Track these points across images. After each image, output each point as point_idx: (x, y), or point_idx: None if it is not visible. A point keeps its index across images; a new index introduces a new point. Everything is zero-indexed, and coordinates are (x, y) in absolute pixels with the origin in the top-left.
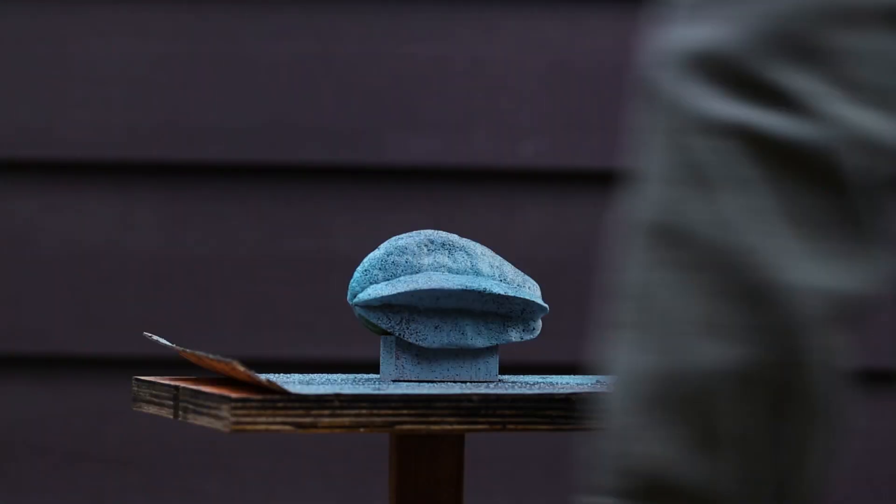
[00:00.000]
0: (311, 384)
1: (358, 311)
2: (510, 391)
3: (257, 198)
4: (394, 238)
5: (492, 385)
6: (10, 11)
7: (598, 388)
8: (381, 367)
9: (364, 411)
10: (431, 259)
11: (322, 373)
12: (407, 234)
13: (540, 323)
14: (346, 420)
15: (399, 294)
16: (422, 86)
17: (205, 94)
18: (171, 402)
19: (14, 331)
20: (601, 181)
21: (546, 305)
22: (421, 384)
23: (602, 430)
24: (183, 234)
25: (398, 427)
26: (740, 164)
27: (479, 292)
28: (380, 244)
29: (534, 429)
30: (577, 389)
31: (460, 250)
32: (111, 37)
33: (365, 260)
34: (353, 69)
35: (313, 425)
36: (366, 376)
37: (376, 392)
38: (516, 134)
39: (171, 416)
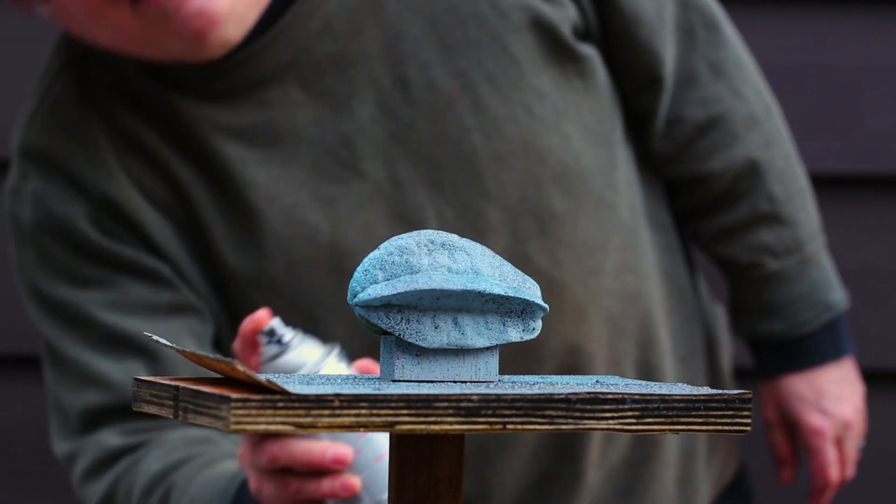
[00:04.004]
0: (311, 384)
1: (358, 311)
2: (510, 391)
3: None
4: (394, 238)
5: (492, 385)
6: (10, 11)
7: (598, 388)
8: (381, 367)
9: (364, 411)
10: (431, 259)
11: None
12: (407, 234)
13: (540, 323)
14: (346, 420)
15: (399, 294)
16: None
17: None
18: (171, 402)
19: (14, 331)
20: None
21: (546, 305)
22: (421, 384)
23: None
24: None
25: (398, 427)
26: None
27: (479, 292)
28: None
29: (534, 429)
30: (576, 389)
31: (460, 250)
32: None
33: (365, 260)
34: None
35: (313, 425)
36: (366, 376)
37: (376, 392)
38: None
39: (171, 416)
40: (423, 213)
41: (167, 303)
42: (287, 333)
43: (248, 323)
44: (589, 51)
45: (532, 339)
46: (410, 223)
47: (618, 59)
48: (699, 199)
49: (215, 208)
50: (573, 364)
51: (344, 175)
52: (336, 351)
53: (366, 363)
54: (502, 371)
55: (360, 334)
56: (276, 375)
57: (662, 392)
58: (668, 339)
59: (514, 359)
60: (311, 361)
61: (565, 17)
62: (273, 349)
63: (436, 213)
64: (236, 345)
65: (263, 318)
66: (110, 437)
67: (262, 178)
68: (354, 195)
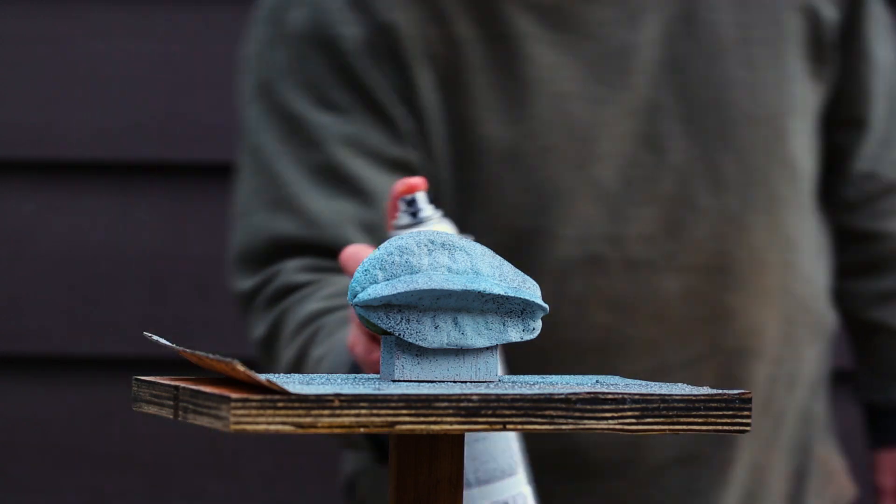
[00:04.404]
0: (311, 384)
1: (358, 311)
2: (510, 391)
3: None
4: (394, 238)
5: (492, 385)
6: (10, 11)
7: (598, 388)
8: (381, 367)
9: (364, 411)
10: (431, 259)
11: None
12: (407, 234)
13: (540, 323)
14: (346, 420)
15: (399, 294)
16: None
17: (205, 94)
18: (171, 402)
19: (14, 331)
20: None
21: (546, 305)
22: (421, 384)
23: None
24: (183, 234)
25: (398, 427)
26: None
27: (479, 292)
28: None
29: (534, 429)
30: (576, 389)
31: (460, 250)
32: (111, 37)
33: (365, 260)
34: None
35: (313, 425)
36: (366, 376)
37: (376, 392)
38: None
39: (171, 416)
40: (668, 143)
41: (395, 158)
42: (426, 210)
43: (400, 184)
44: (829, 60)
45: (722, 312)
46: (655, 149)
47: (836, 85)
48: (866, 257)
49: (487, 74)
50: (746, 348)
51: (615, 82)
52: (472, 239)
53: None
54: (696, 324)
55: (587, 241)
56: (276, 375)
57: (662, 392)
58: (811, 360)
59: (709, 317)
60: None
61: (829, 20)
62: (405, 219)
63: (681, 147)
64: (388, 203)
65: (417, 183)
66: (292, 274)
67: (543, 58)
68: (617, 105)
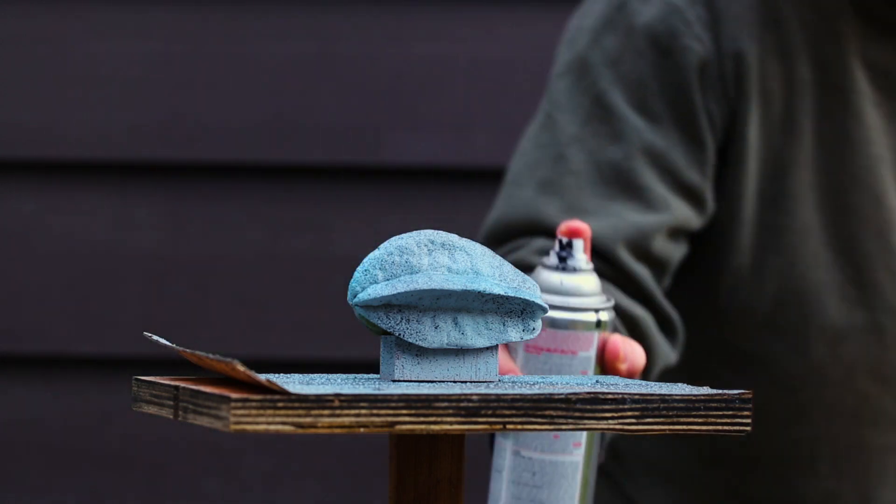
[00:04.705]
0: (311, 384)
1: (358, 311)
2: (510, 391)
3: (257, 198)
4: (394, 238)
5: (492, 385)
6: (10, 11)
7: (598, 388)
8: (381, 367)
9: (364, 411)
10: (431, 259)
11: (322, 373)
12: (407, 234)
13: (540, 323)
14: (346, 420)
15: (399, 294)
16: (422, 86)
17: (205, 94)
18: (171, 402)
19: (14, 331)
20: None
21: (546, 305)
22: (421, 384)
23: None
24: (183, 234)
25: (398, 427)
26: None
27: (479, 292)
28: (380, 244)
29: (534, 429)
30: (576, 389)
31: (460, 250)
32: (111, 37)
33: (365, 260)
34: (353, 69)
35: (313, 425)
36: (366, 376)
37: (376, 392)
38: (516, 134)
39: (171, 416)
40: None
41: (689, 183)
42: (578, 259)
43: (563, 225)
44: None
45: None
46: None
47: None
48: None
49: (816, 120)
50: None
51: None
52: (610, 308)
53: (616, 341)
54: None
55: (873, 309)
56: (276, 375)
57: (662, 392)
58: None
59: None
60: (573, 297)
61: None
62: (553, 260)
63: None
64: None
65: (580, 229)
66: (531, 254)
67: (869, 118)
68: None
